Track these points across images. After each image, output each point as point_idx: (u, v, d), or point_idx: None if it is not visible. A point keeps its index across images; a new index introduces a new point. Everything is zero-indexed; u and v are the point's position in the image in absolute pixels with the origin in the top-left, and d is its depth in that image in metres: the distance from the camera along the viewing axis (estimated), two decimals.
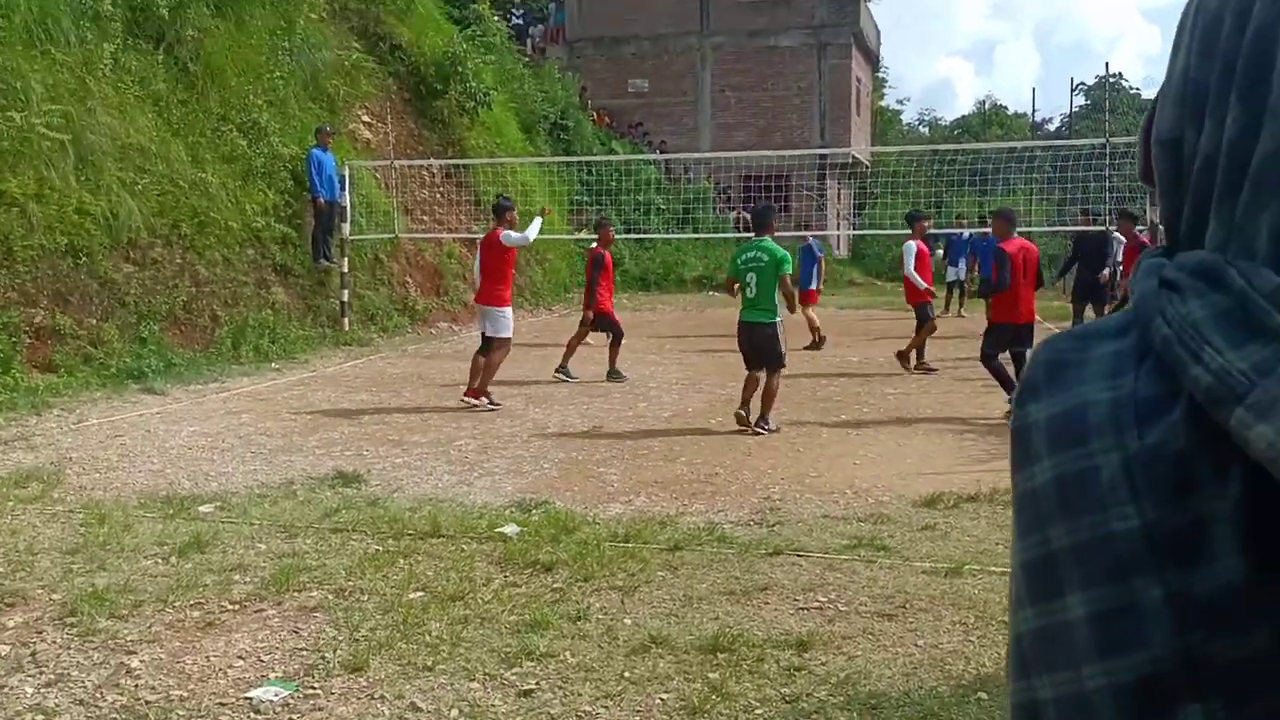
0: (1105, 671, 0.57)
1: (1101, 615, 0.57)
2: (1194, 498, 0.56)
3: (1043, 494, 0.61)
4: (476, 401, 9.59)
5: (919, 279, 11.90)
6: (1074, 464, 0.59)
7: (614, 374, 11.51)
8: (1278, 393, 0.52)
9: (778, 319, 8.56)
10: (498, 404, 9.68)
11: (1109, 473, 0.58)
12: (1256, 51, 0.58)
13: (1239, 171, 0.58)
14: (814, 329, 14.12)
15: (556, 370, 11.60)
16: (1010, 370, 9.18)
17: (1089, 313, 13.23)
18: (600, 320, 11.89)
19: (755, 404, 8.59)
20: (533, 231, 10.21)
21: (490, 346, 9.72)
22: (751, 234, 9.08)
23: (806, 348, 13.73)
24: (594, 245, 12.39)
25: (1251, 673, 0.54)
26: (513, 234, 9.85)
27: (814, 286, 15.03)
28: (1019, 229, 10.08)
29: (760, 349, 8.60)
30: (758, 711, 3.54)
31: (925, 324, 11.91)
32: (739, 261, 8.68)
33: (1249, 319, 0.55)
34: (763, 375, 8.60)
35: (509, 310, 9.86)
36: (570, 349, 11.76)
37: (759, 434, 8.43)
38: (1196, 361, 0.55)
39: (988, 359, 9.21)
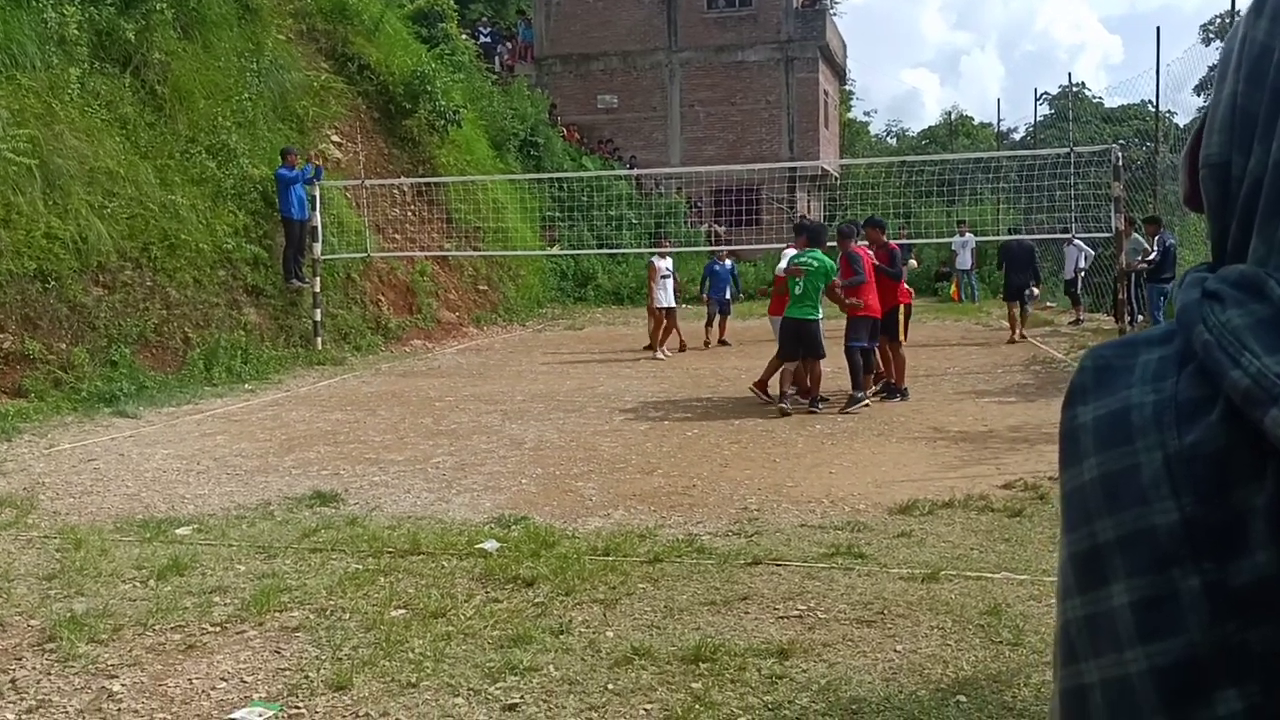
0: (1146, 655, 0.59)
1: (1143, 603, 0.60)
2: (1231, 494, 0.58)
3: (1090, 490, 0.64)
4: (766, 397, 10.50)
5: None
6: (1119, 461, 0.63)
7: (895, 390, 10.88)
8: None
9: (819, 316, 10.07)
10: (770, 399, 10.37)
11: (1151, 470, 0.61)
12: None
13: None
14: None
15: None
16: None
17: (1017, 311, 15.81)
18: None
19: (774, 385, 10.37)
20: (782, 263, 10.67)
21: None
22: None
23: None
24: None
25: None
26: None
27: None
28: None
29: (803, 341, 10.04)
30: None
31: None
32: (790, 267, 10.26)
33: None
34: (793, 365, 10.11)
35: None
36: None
37: (787, 412, 9.84)
38: (1235, 365, 0.58)
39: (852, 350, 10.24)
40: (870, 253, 10.67)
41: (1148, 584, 0.60)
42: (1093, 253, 18.00)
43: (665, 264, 15.31)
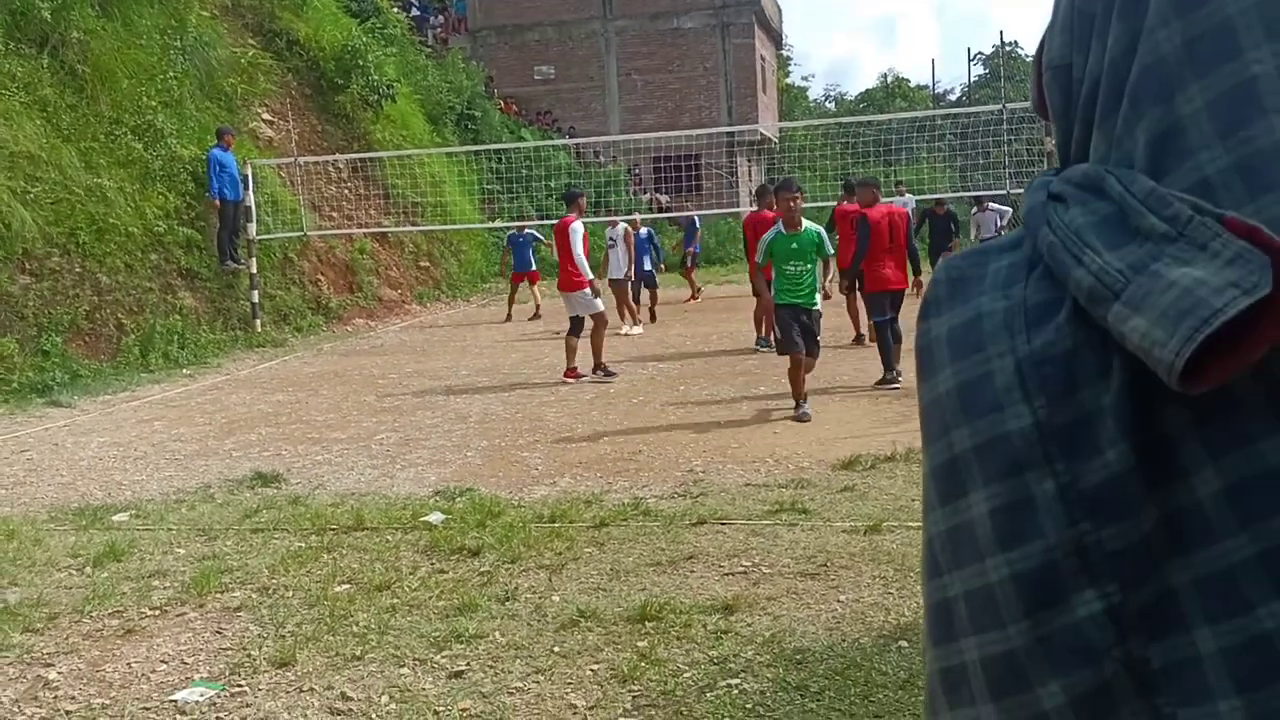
0: (1007, 562, 0.60)
1: (1000, 510, 0.60)
2: (1080, 394, 0.59)
3: (946, 401, 0.64)
4: (573, 381, 10.13)
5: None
6: (972, 370, 0.63)
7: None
8: (1151, 287, 0.55)
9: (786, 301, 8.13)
10: (613, 374, 10.24)
11: (1003, 376, 0.61)
12: None
13: (1119, 87, 0.62)
14: (536, 304, 16.74)
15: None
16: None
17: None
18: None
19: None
20: (580, 253, 10.13)
21: (578, 327, 10.24)
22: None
23: (530, 319, 16.19)
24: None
25: (1140, 557, 0.58)
26: (578, 242, 10.06)
27: (534, 268, 17.10)
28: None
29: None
30: (686, 675, 3.59)
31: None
32: None
33: (1126, 222, 0.58)
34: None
35: (587, 291, 10.16)
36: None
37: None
38: (1079, 264, 0.59)
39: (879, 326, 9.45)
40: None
41: (1005, 490, 0.60)
42: (1009, 211, 18.10)
43: (610, 233, 14.92)
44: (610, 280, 14.58)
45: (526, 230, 17.19)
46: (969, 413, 0.62)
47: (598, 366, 10.33)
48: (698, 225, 19.32)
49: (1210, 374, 0.55)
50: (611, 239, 14.80)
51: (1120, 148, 0.62)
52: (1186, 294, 0.54)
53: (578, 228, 10.26)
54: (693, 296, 18.03)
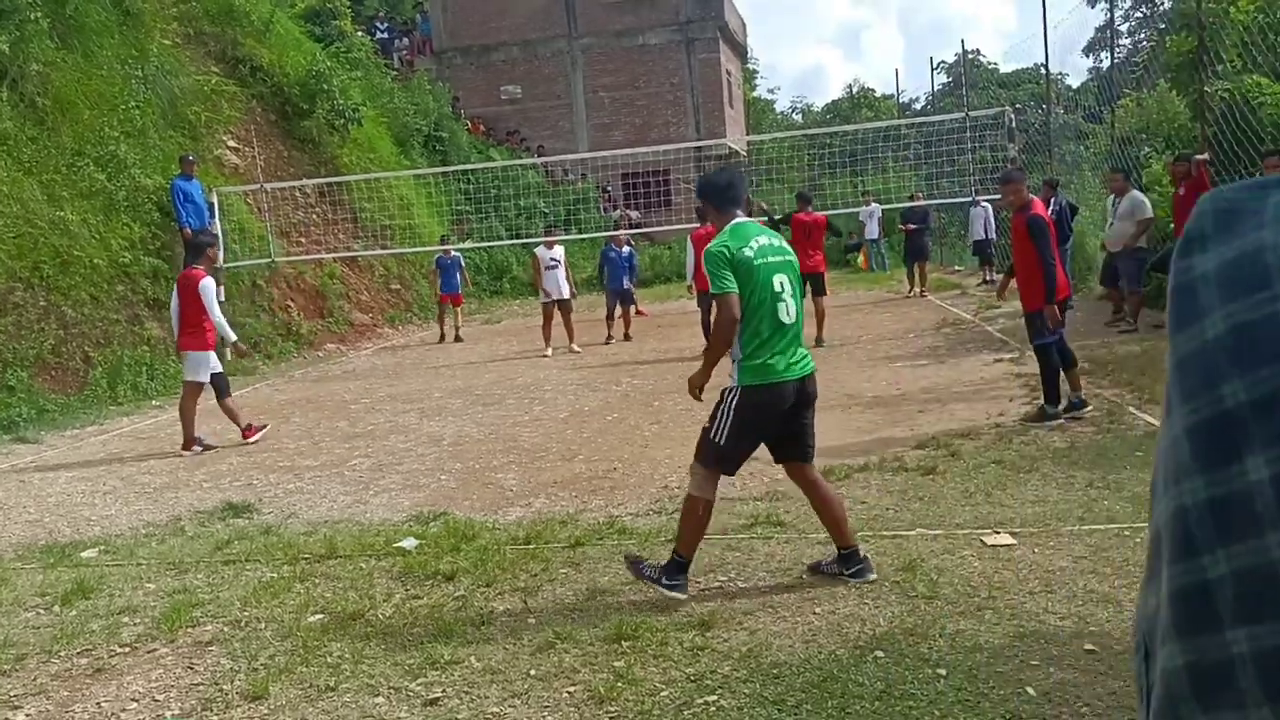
0: None
1: None
2: None
3: (1215, 348, 0.56)
4: (256, 437, 9.14)
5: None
6: (1252, 311, 0.55)
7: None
8: None
9: None
10: (213, 445, 8.94)
11: None
12: None
13: None
14: (455, 326, 17.11)
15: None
16: None
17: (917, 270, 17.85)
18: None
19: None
20: (218, 312, 8.94)
21: (225, 388, 9.06)
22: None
23: (453, 340, 16.68)
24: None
25: None
26: (214, 300, 8.86)
27: (459, 291, 17.24)
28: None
29: None
30: (663, 694, 3.58)
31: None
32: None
33: None
34: None
35: (209, 354, 8.92)
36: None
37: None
38: None
39: None
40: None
41: None
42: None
43: (550, 254, 14.46)
44: (545, 302, 14.35)
45: (453, 253, 17.07)
46: (1247, 362, 0.54)
47: (191, 442, 8.81)
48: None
49: None
50: (554, 260, 14.43)
51: None
52: None
53: (209, 284, 8.92)
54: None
